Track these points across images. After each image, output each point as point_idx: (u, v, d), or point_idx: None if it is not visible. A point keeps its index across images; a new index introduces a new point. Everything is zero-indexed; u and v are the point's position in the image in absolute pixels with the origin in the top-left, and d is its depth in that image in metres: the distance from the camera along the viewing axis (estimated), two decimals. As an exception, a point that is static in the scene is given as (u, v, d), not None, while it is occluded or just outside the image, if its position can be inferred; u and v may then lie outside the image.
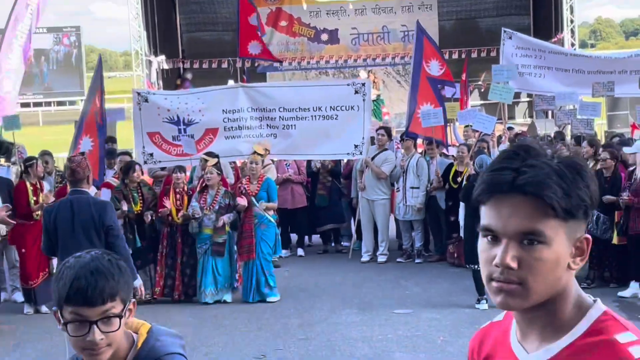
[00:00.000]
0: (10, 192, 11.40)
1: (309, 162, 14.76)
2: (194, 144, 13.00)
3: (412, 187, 13.60)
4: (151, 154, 13.26)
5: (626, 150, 11.23)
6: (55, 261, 9.34)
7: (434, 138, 14.00)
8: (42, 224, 8.11)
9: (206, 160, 12.13)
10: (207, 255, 11.38)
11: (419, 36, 15.14)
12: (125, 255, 7.79)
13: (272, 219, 11.58)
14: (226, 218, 11.31)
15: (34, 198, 11.29)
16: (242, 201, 11.32)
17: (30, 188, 11.35)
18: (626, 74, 14.84)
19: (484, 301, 10.57)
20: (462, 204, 12.56)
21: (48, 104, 50.59)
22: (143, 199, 11.62)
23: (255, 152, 12.16)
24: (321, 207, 14.70)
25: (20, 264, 11.47)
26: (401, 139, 14.45)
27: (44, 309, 11.12)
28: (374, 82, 25.00)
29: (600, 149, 11.87)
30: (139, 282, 8.08)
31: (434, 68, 14.80)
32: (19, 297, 11.80)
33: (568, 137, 15.35)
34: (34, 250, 10.90)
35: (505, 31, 15.70)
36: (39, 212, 10.97)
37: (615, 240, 11.16)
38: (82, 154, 9.35)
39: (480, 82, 27.22)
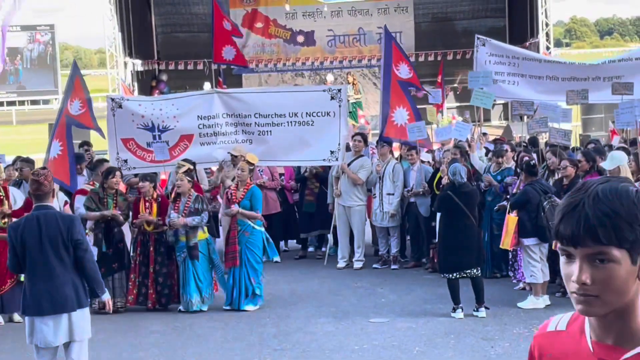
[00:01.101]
0: None
1: (298, 167, 14.76)
2: (167, 149, 12.94)
3: (389, 194, 13.60)
4: (125, 160, 13.18)
5: (604, 165, 11.23)
6: None
7: (410, 142, 14.02)
8: (7, 240, 7.91)
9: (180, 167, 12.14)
10: (186, 263, 11.34)
11: (387, 40, 15.23)
12: (93, 269, 7.72)
13: (256, 226, 11.51)
14: (189, 220, 11.22)
15: None
16: (233, 210, 11.33)
17: None
18: (600, 80, 14.88)
19: (460, 310, 10.60)
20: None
21: (22, 102, 50.27)
22: (117, 206, 11.57)
23: (245, 160, 12.18)
24: (309, 213, 14.67)
25: None
26: (377, 144, 14.42)
27: (16, 317, 10.99)
28: (354, 84, 25.09)
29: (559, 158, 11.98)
30: (107, 297, 7.98)
31: (404, 71, 14.89)
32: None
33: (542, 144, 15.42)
34: (3, 257, 10.75)
35: (478, 38, 15.71)
36: (5, 220, 10.85)
37: None
38: (44, 168, 9.17)
39: (456, 85, 27.33)
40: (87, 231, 11.52)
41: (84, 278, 7.67)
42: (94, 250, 11.31)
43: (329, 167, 14.39)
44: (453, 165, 11.08)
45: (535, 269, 10.99)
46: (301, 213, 14.80)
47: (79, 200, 11.94)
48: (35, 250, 7.53)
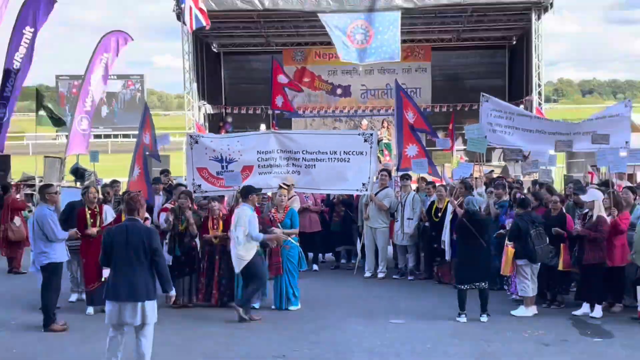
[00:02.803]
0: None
1: (328, 194, 14.80)
2: (240, 177, 12.95)
3: (409, 218, 13.59)
4: (199, 185, 13.29)
5: (583, 198, 11.20)
6: (106, 272, 9.32)
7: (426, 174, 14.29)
8: (101, 240, 8.22)
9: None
10: None
11: (397, 91, 15.44)
12: (165, 272, 8.01)
13: (294, 241, 11.56)
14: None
15: (91, 220, 11.25)
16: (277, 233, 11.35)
17: (88, 212, 11.31)
18: (580, 134, 14.80)
19: (464, 315, 10.55)
20: (446, 234, 12.60)
21: (115, 136, 50.92)
22: (188, 222, 11.62)
23: (282, 187, 12.29)
24: (336, 232, 14.76)
25: (83, 271, 11.46)
26: (401, 178, 14.37)
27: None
28: (388, 128, 25.12)
29: (549, 194, 11.91)
30: (173, 293, 8.16)
31: (410, 117, 15.07)
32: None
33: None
34: (91, 261, 10.87)
35: (483, 95, 15.69)
36: (94, 232, 10.99)
37: (560, 267, 11.12)
38: (139, 192, 9.37)
39: (464, 132, 27.21)
40: (166, 240, 11.64)
41: (158, 278, 7.92)
42: (169, 257, 11.45)
43: (352, 195, 14.44)
44: (468, 198, 11.09)
45: (525, 284, 10.92)
46: (330, 232, 14.84)
47: (162, 216, 12.08)
48: (121, 251, 7.86)
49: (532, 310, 10.93)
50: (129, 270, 7.80)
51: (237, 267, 10.73)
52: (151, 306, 7.90)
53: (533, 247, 10.72)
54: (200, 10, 21.74)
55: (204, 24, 22.01)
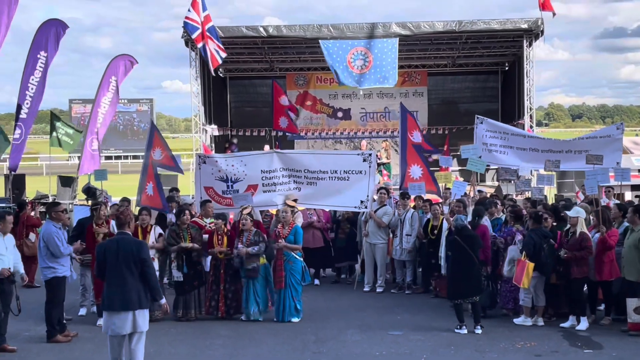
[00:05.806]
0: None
1: (334, 212, 14.73)
2: (250, 197, 12.84)
3: (407, 235, 13.56)
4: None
5: (569, 213, 11.13)
6: None
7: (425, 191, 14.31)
8: (95, 254, 8.29)
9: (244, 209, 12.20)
10: (249, 283, 11.33)
11: (403, 113, 15.51)
12: (154, 281, 8.00)
13: (297, 256, 11.55)
14: (250, 249, 11.29)
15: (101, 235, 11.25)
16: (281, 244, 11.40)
17: (95, 227, 11.32)
18: (571, 152, 14.77)
19: (464, 327, 10.51)
20: (442, 250, 12.52)
21: (126, 157, 51.03)
22: (192, 237, 11.61)
23: (286, 204, 12.29)
24: (341, 247, 14.70)
25: (94, 284, 11.43)
26: (401, 196, 14.34)
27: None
28: (386, 149, 25.10)
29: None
30: (163, 301, 8.18)
31: (416, 137, 15.07)
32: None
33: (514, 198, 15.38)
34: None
35: (477, 117, 15.68)
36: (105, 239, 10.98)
37: (552, 280, 11.04)
38: (127, 208, 9.34)
39: (458, 153, 27.22)
40: (172, 258, 11.59)
41: (147, 288, 7.93)
42: (178, 274, 11.43)
43: (358, 212, 14.40)
44: (456, 217, 11.07)
45: (527, 296, 10.92)
46: (335, 247, 14.80)
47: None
48: (113, 263, 7.89)
49: (529, 320, 10.93)
50: (121, 281, 7.81)
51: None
52: (142, 315, 7.89)
53: (546, 261, 10.70)
54: (218, 46, 21.48)
55: (223, 55, 21.66)
